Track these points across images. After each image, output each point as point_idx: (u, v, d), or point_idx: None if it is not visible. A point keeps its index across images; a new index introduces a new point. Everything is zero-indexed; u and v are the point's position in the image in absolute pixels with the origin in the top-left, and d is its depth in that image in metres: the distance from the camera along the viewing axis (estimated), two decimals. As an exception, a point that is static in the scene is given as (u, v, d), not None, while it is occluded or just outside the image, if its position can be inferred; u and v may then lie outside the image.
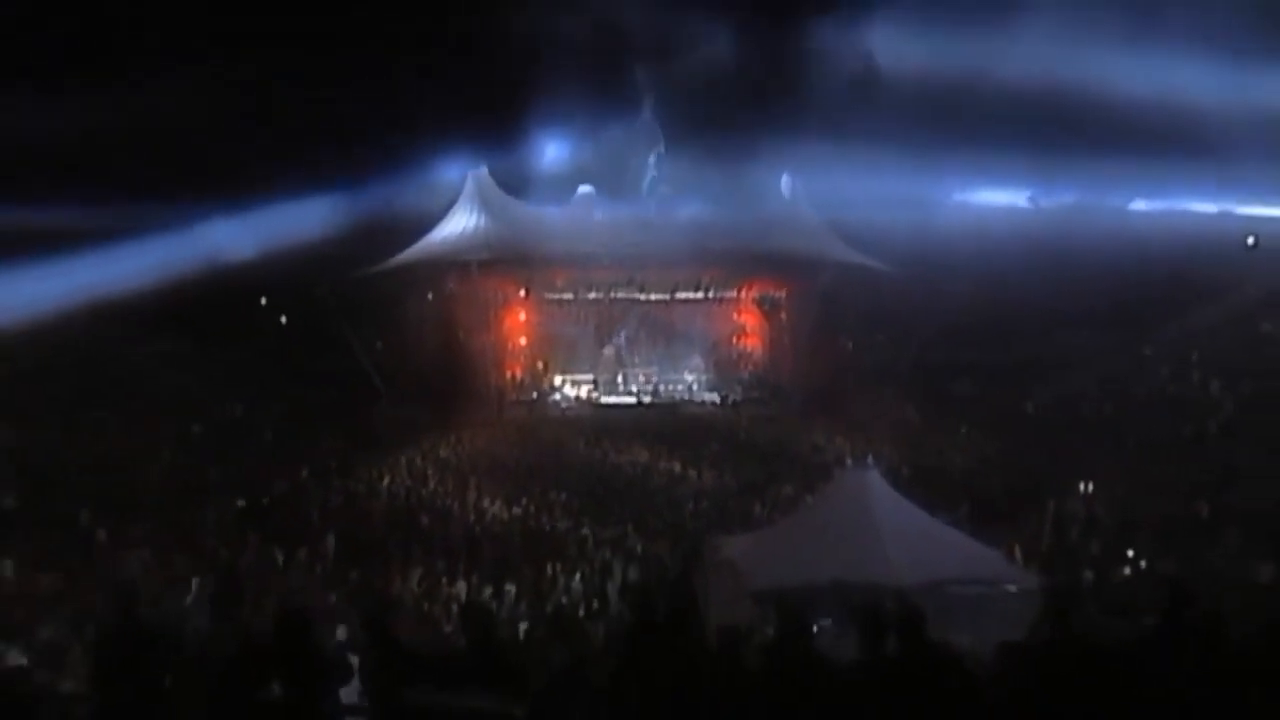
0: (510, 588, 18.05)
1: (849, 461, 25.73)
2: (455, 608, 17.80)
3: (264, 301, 35.36)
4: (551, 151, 37.19)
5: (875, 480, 13.40)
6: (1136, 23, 27.40)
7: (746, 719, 5.40)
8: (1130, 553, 19.76)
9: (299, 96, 32.30)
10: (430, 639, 8.77)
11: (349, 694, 4.65)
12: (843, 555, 11.58)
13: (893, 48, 30.96)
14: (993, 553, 13.35)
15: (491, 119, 34.73)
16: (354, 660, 5.52)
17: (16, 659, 7.22)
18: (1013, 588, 12.04)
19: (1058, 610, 7.30)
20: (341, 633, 9.31)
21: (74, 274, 27.89)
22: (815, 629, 11.71)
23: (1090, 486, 22.70)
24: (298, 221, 32.53)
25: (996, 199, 35.05)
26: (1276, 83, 26.39)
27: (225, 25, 30.94)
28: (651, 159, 36.80)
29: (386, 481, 25.07)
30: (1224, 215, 32.22)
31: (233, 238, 31.34)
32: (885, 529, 12.01)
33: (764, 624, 11.26)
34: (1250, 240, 31.20)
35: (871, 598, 11.82)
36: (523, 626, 16.87)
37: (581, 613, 17.47)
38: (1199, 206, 32.84)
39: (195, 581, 13.15)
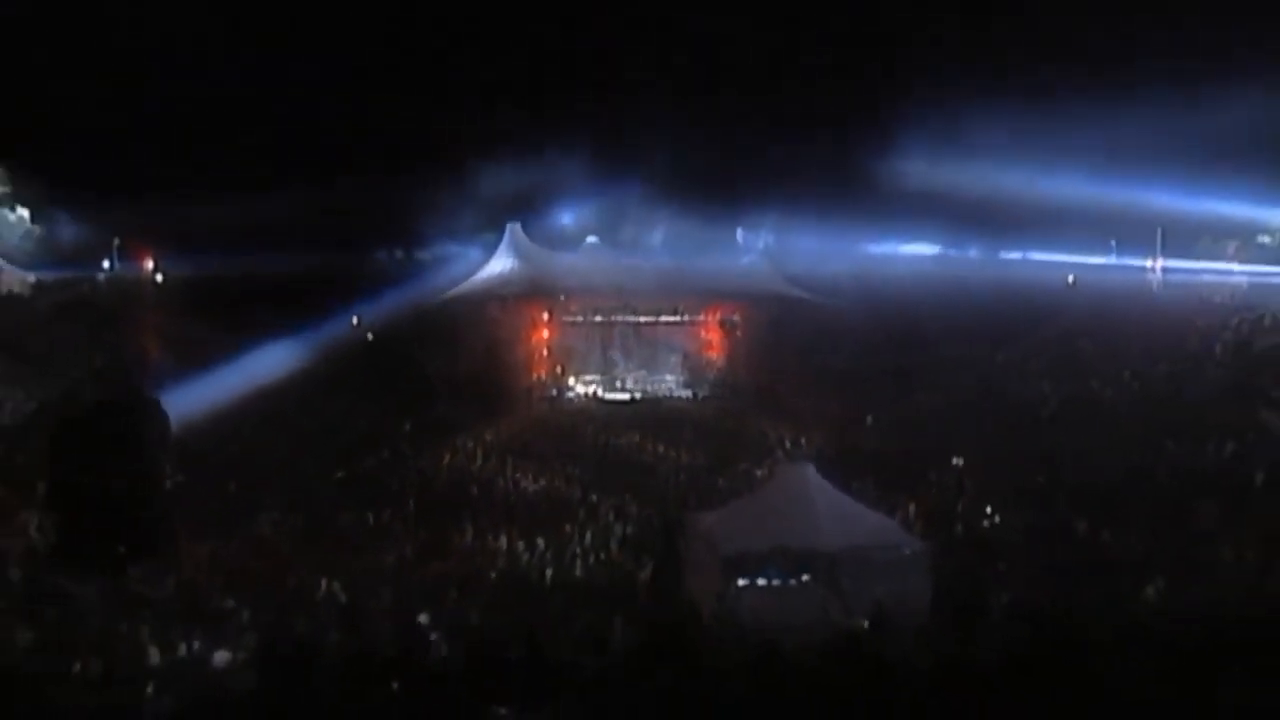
0: (539, 542, 18.07)
1: (788, 444, 25.70)
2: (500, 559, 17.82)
3: (355, 322, 35.06)
4: (568, 212, 37.34)
5: (811, 472, 13.41)
6: (1008, 145, 28.83)
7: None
8: (988, 510, 19.86)
9: (394, 182, 33.51)
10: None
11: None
12: (787, 528, 11.63)
13: (831, 143, 31.66)
14: (893, 523, 13.41)
15: (524, 190, 35.08)
16: (435, 637, 5.44)
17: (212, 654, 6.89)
18: (908, 550, 12.12)
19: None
20: (424, 618, 8.98)
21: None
22: (766, 581, 11.86)
23: (961, 461, 22.46)
24: (386, 265, 32.92)
25: (902, 251, 35.57)
26: (1088, 183, 28.38)
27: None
28: (642, 219, 36.96)
29: (446, 460, 24.61)
30: (1054, 263, 32.74)
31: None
32: (819, 508, 12.04)
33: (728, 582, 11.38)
34: (1070, 279, 32.05)
35: (808, 562, 12.01)
36: (548, 572, 16.93)
37: (592, 560, 17.39)
38: (1038, 256, 33.28)
39: (323, 582, 12.18)
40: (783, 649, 6.52)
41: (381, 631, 6.85)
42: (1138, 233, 30.49)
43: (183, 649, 7.09)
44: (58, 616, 7.05)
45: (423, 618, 8.57)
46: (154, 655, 6.77)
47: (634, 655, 6.25)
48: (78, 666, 5.41)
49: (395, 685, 4.31)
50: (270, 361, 27.82)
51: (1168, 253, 30.64)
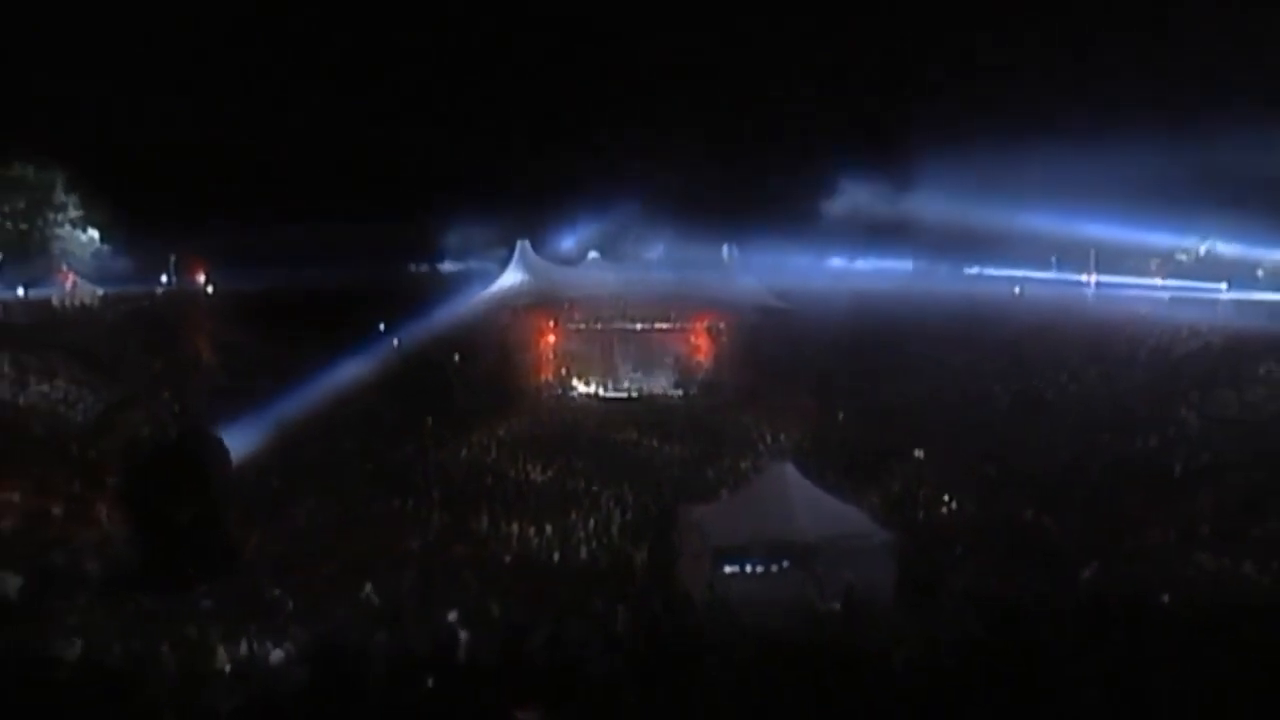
0: (547, 528, 17.86)
1: (768, 437, 25.50)
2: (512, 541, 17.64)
3: (383, 328, 34.93)
4: (572, 231, 37.37)
5: (790, 470, 13.34)
6: (967, 178, 29.30)
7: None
8: (946, 497, 19.82)
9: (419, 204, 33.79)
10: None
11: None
12: (770, 521, 11.59)
13: (810, 172, 32.17)
14: (863, 515, 13.37)
15: (533, 213, 35.19)
16: (464, 635, 5.40)
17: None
18: (876, 539, 12.12)
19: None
20: (453, 615, 8.83)
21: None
22: (751, 568, 11.86)
23: (921, 453, 22.46)
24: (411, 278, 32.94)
25: (871, 266, 35.69)
26: (1036, 211, 29.09)
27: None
28: (638, 237, 37.02)
29: (464, 453, 24.20)
30: (1003, 276, 33.02)
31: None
32: (797, 502, 12.00)
33: (717, 569, 11.37)
34: (1017, 290, 32.24)
35: (787, 551, 12.02)
36: (555, 555, 16.76)
37: (594, 544, 17.21)
38: (993, 271, 33.48)
39: (368, 586, 11.80)
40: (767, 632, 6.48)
41: (416, 631, 6.75)
42: (1075, 251, 30.93)
43: (244, 647, 6.97)
44: (132, 612, 6.98)
45: (452, 615, 8.39)
46: (221, 656, 6.68)
47: (640, 646, 6.23)
48: (152, 661, 5.36)
49: (430, 682, 4.30)
50: (306, 364, 27.66)
51: (1100, 269, 31.04)
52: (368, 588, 9.90)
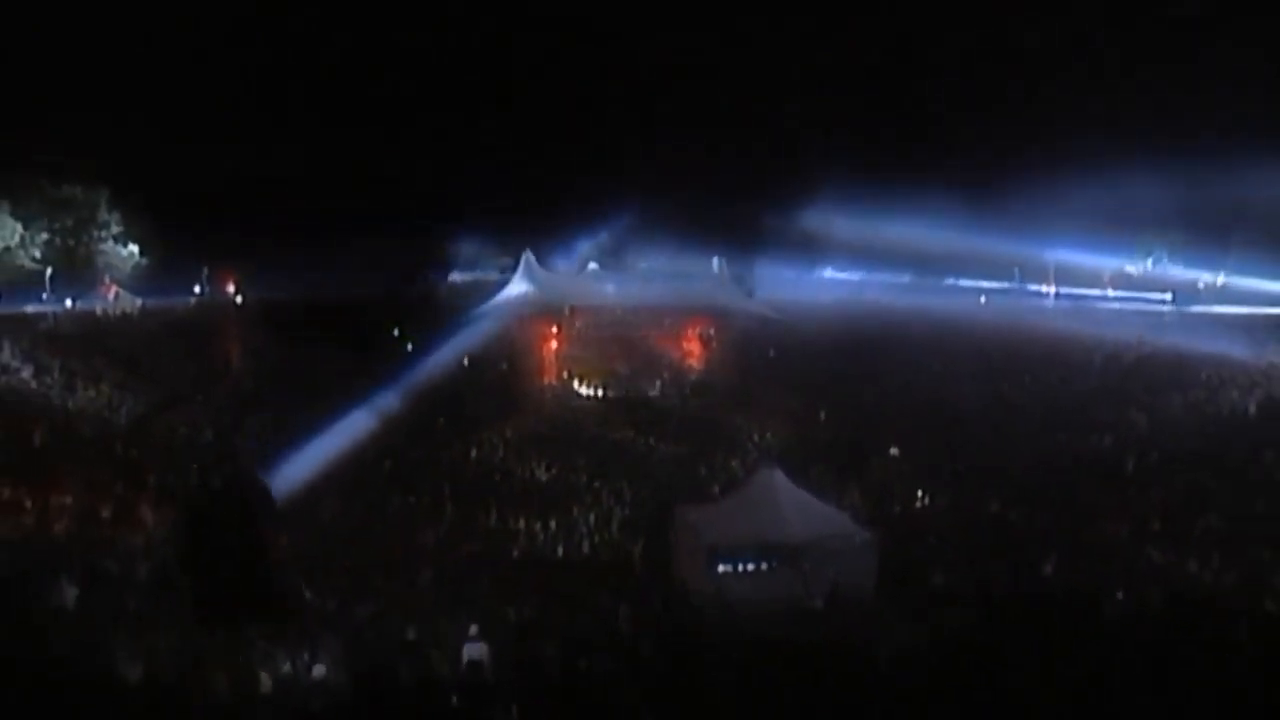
0: (552, 522, 17.67)
1: (756, 436, 25.40)
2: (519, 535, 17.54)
3: (397, 334, 34.77)
4: (573, 244, 37.46)
5: (779, 475, 13.29)
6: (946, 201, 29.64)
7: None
8: (919, 492, 19.83)
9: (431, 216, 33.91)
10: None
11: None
12: (760, 523, 11.60)
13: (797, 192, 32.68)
14: (845, 516, 13.38)
15: (538, 227, 35.27)
16: (486, 652, 5.38)
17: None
18: (858, 540, 12.16)
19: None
20: (474, 630, 8.29)
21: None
22: (742, 567, 11.88)
23: (897, 451, 22.42)
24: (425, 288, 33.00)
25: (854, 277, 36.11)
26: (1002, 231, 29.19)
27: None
28: (634, 249, 37.14)
29: (474, 453, 23.79)
30: (971, 287, 33.33)
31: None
32: (785, 506, 12.02)
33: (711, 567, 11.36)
34: (982, 299, 32.74)
35: (776, 551, 12.04)
36: (559, 549, 16.68)
37: (596, 539, 17.12)
38: (963, 282, 33.92)
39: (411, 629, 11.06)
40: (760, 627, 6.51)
41: (442, 654, 6.69)
42: (1034, 264, 31.40)
43: (287, 666, 6.88)
44: (182, 627, 6.94)
45: (473, 629, 8.28)
46: (265, 679, 6.60)
47: (642, 647, 6.26)
48: (204, 680, 5.33)
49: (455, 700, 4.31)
50: (327, 368, 27.53)
51: (1057, 280, 31.48)
52: (410, 633, 9.28)
